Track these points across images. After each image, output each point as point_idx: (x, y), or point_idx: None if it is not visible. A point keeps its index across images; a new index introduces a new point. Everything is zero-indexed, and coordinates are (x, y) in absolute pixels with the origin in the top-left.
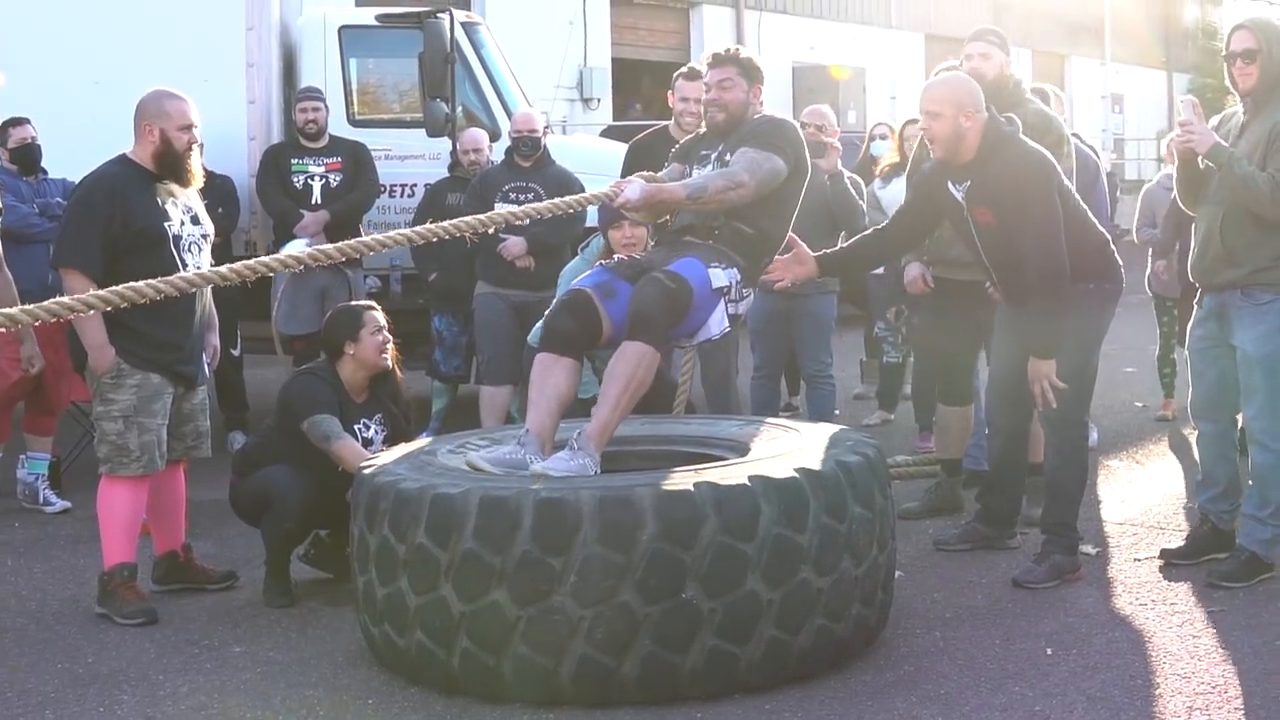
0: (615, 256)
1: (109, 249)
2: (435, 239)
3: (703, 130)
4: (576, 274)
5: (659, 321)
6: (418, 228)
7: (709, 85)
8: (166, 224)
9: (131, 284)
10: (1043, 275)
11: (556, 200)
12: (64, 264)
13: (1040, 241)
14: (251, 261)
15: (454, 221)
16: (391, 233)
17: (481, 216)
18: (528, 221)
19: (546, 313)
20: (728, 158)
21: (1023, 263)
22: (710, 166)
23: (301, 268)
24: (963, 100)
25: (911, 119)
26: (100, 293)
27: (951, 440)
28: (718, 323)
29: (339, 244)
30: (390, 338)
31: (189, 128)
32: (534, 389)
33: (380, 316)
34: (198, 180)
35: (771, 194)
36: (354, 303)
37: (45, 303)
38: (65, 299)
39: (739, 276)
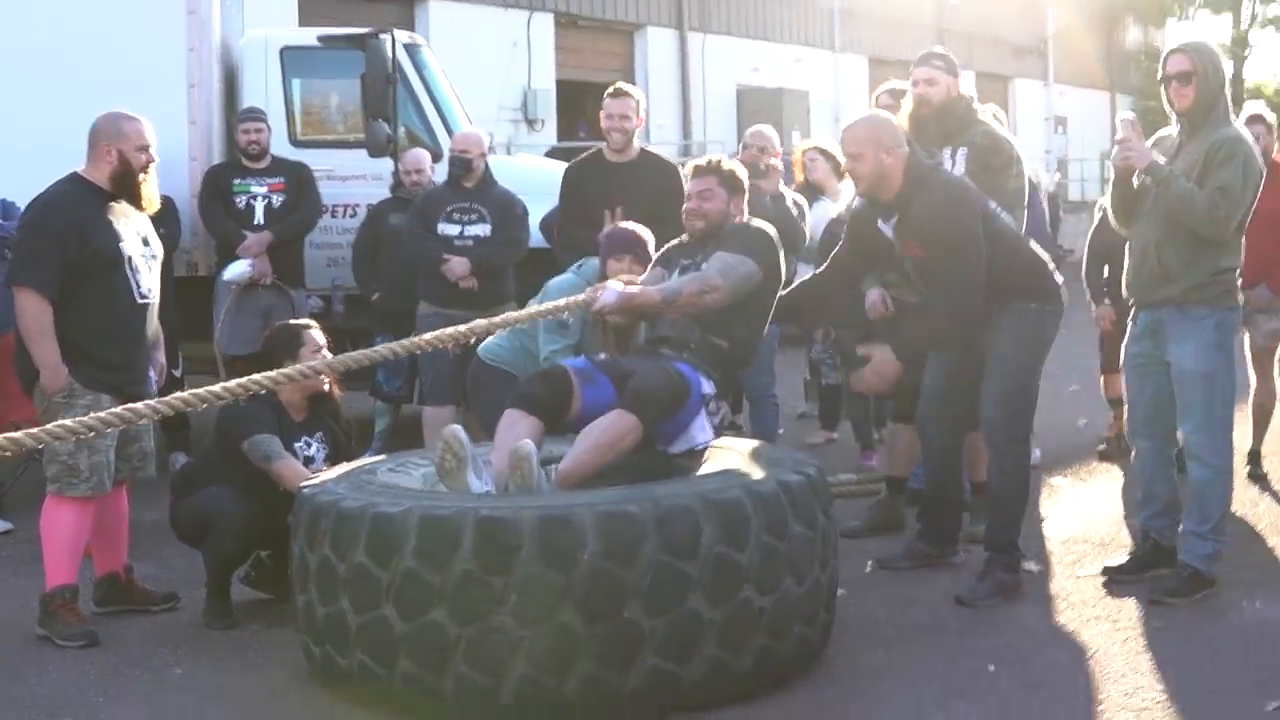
0: (601, 355)
1: (65, 269)
2: (419, 351)
3: (684, 239)
4: (566, 287)
5: (658, 402)
6: (401, 342)
7: (689, 194)
8: (121, 245)
9: (181, 395)
10: (956, 304)
11: (537, 308)
12: (20, 284)
13: (958, 276)
14: (274, 373)
15: (436, 334)
16: (374, 349)
17: (462, 328)
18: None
19: (522, 379)
20: (704, 265)
21: (942, 291)
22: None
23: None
24: (882, 138)
25: (811, 145)
26: (166, 400)
27: (899, 458)
28: (700, 431)
29: (334, 359)
30: (329, 356)
31: (146, 148)
32: (499, 440)
33: (319, 336)
34: (153, 204)
35: (744, 301)
36: (293, 321)
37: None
38: (135, 405)
39: (714, 390)
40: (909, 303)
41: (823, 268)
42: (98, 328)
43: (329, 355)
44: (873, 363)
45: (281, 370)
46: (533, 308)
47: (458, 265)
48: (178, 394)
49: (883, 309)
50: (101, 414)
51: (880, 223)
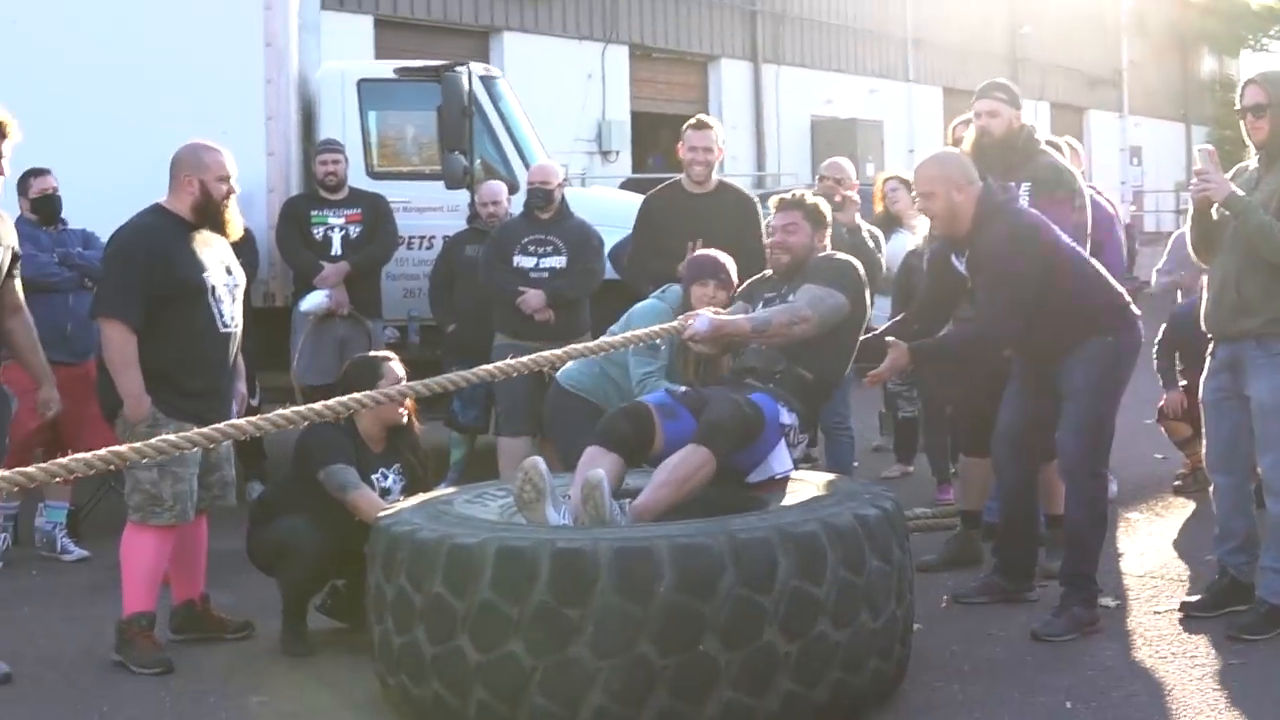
0: (683, 389)
1: (149, 299)
2: (513, 375)
3: (768, 273)
4: (649, 313)
5: (731, 435)
6: (493, 365)
7: (774, 229)
8: (205, 274)
9: (262, 417)
10: (984, 329)
11: (629, 334)
12: (104, 314)
13: (998, 302)
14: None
15: (532, 358)
16: (472, 370)
17: (558, 352)
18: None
19: (605, 414)
20: (790, 297)
21: (978, 309)
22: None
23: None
24: (953, 175)
25: (891, 175)
26: (251, 420)
27: (973, 491)
28: (779, 462)
29: (417, 383)
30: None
31: (226, 178)
32: (578, 476)
33: (399, 368)
34: (237, 231)
35: (831, 333)
36: (372, 353)
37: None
38: (218, 426)
39: (797, 422)
40: None
41: (910, 309)
42: (182, 357)
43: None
44: (890, 359)
45: (362, 393)
46: (625, 334)
47: (533, 298)
48: (260, 416)
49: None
50: (173, 436)
51: (954, 259)
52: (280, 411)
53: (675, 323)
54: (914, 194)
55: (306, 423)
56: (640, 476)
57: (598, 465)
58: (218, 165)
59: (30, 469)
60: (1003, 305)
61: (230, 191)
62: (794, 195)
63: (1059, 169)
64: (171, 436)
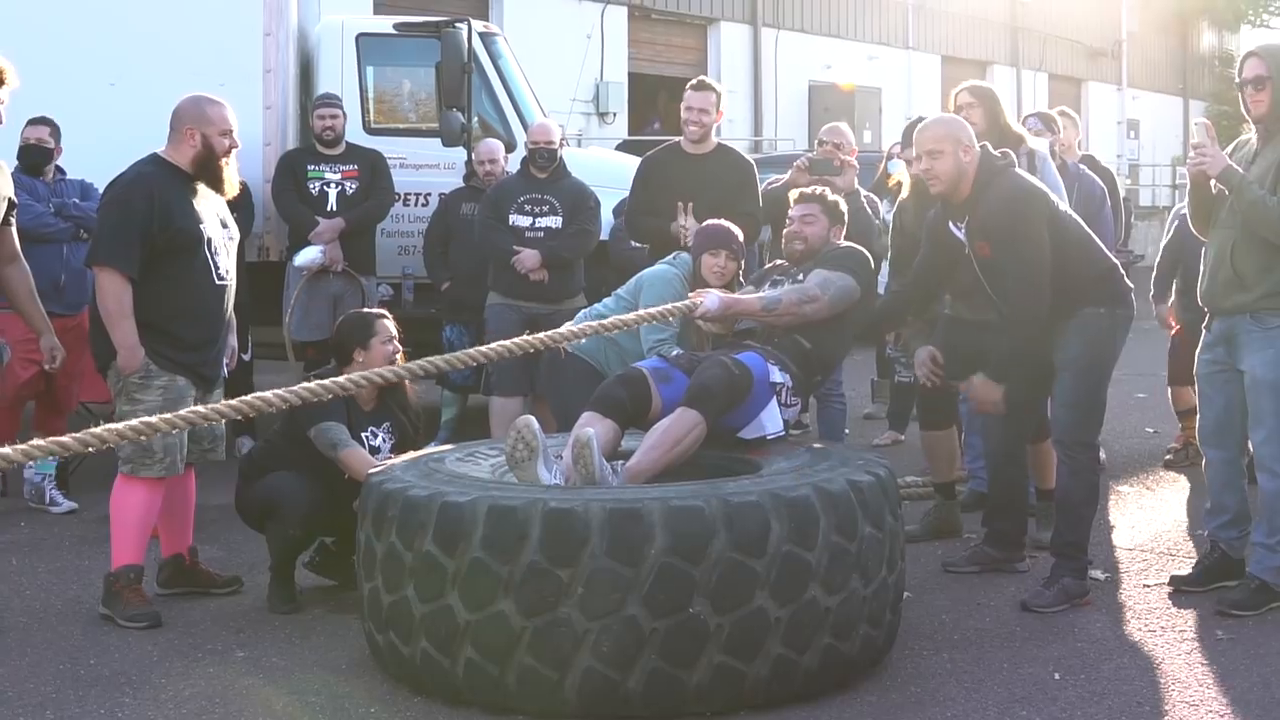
0: (675, 352)
1: (146, 249)
2: (532, 350)
3: (780, 261)
4: (661, 280)
5: (719, 397)
6: (516, 340)
7: (792, 218)
8: (201, 226)
9: (308, 385)
10: (1020, 307)
11: (642, 312)
12: (100, 262)
13: (1022, 275)
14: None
15: (550, 333)
16: (486, 348)
17: (575, 328)
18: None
19: (602, 383)
20: (800, 278)
21: (1009, 290)
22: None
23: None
24: (960, 136)
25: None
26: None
27: (940, 464)
28: (771, 421)
29: (415, 363)
30: (400, 348)
31: (229, 133)
32: (573, 437)
33: (391, 325)
34: (233, 189)
35: (838, 315)
36: (365, 310)
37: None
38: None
39: (791, 383)
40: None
41: (903, 286)
42: (177, 309)
43: (399, 346)
44: (974, 392)
45: (364, 372)
46: (637, 312)
47: (529, 258)
48: (255, 395)
49: (932, 367)
50: (169, 415)
51: (951, 225)
52: (275, 391)
53: (686, 302)
54: (914, 154)
55: (300, 401)
56: (637, 439)
57: (593, 429)
58: (221, 119)
59: (6, 450)
60: (1029, 269)
61: (232, 146)
62: (815, 190)
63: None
64: (154, 419)
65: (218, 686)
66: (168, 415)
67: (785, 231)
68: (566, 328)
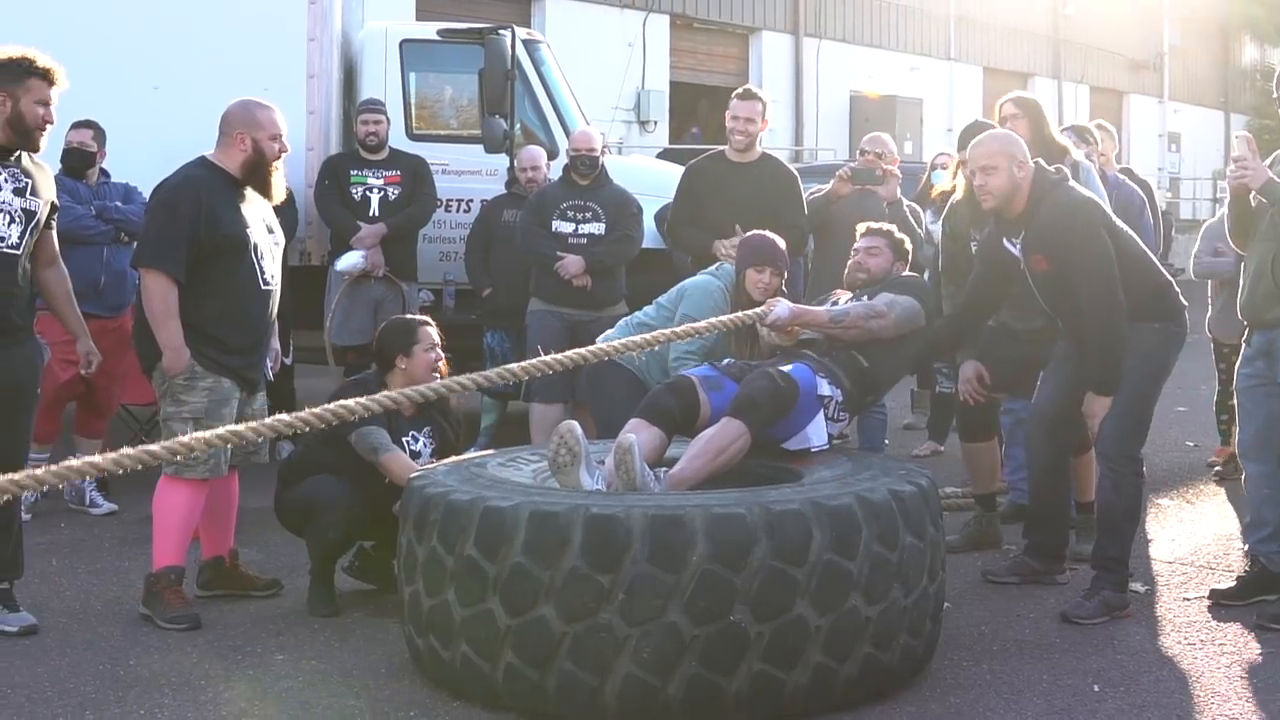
0: (726, 360)
1: (193, 252)
2: (590, 361)
3: (840, 291)
4: (705, 290)
5: (764, 408)
6: (577, 351)
7: (857, 249)
8: (248, 230)
9: (346, 404)
10: (1099, 317)
11: (713, 320)
12: (146, 264)
13: (1093, 283)
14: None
15: (623, 342)
16: (540, 360)
17: (648, 336)
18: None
19: (651, 390)
20: (865, 299)
21: (1080, 306)
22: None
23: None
24: (1014, 152)
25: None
26: (283, 418)
27: (981, 475)
28: (817, 434)
29: (461, 378)
30: (442, 355)
31: (279, 137)
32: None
33: (434, 333)
34: (280, 194)
35: (900, 337)
36: (409, 316)
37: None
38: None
39: (841, 398)
40: (1014, 327)
41: (960, 306)
42: (223, 312)
43: (441, 354)
44: (1090, 409)
45: (410, 389)
46: (709, 320)
47: (572, 264)
48: (296, 415)
49: (976, 386)
50: (187, 438)
51: (1006, 242)
52: (315, 410)
53: (759, 309)
54: (968, 171)
55: (339, 421)
56: (683, 446)
57: (639, 437)
58: (271, 124)
59: (39, 472)
60: (1099, 279)
61: (282, 151)
62: (883, 226)
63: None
64: (194, 436)
65: (257, 689)
66: (203, 434)
67: (850, 262)
68: (640, 337)
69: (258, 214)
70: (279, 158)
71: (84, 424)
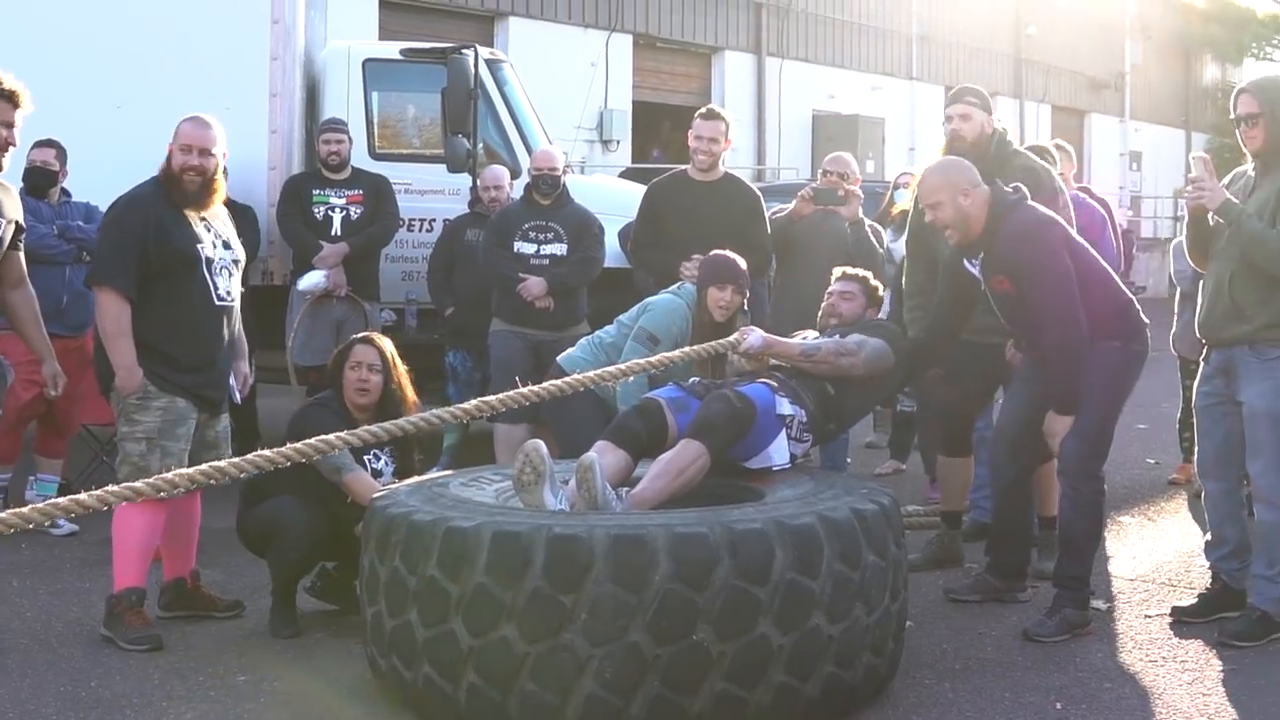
0: (692, 380)
1: (142, 269)
2: (565, 393)
3: (809, 332)
4: (668, 309)
5: (722, 430)
6: (552, 383)
7: (831, 292)
8: (199, 246)
9: (324, 437)
10: (1061, 334)
11: (687, 349)
12: (98, 283)
13: (1053, 302)
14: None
15: (593, 374)
16: (517, 391)
17: (622, 367)
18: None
19: (619, 414)
20: (837, 336)
21: (1041, 325)
22: None
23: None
24: (956, 181)
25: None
26: (249, 458)
27: (953, 492)
28: (779, 453)
29: (442, 411)
30: (374, 375)
31: (190, 149)
32: None
33: (369, 351)
34: (200, 206)
35: (871, 378)
36: (357, 335)
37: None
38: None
39: (805, 418)
40: (973, 342)
41: (927, 329)
42: (173, 329)
43: (369, 376)
44: (1050, 427)
45: (383, 424)
46: (684, 349)
47: (535, 285)
48: (259, 454)
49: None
50: (171, 474)
51: (966, 263)
52: (280, 449)
53: (733, 338)
54: (921, 206)
55: (305, 459)
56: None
57: (605, 459)
58: (185, 134)
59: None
60: (1058, 297)
61: (188, 164)
62: (858, 271)
63: (1035, 170)
64: (157, 479)
65: (219, 710)
66: (168, 475)
67: (824, 304)
68: (616, 367)
69: (213, 229)
70: (187, 170)
71: (44, 443)
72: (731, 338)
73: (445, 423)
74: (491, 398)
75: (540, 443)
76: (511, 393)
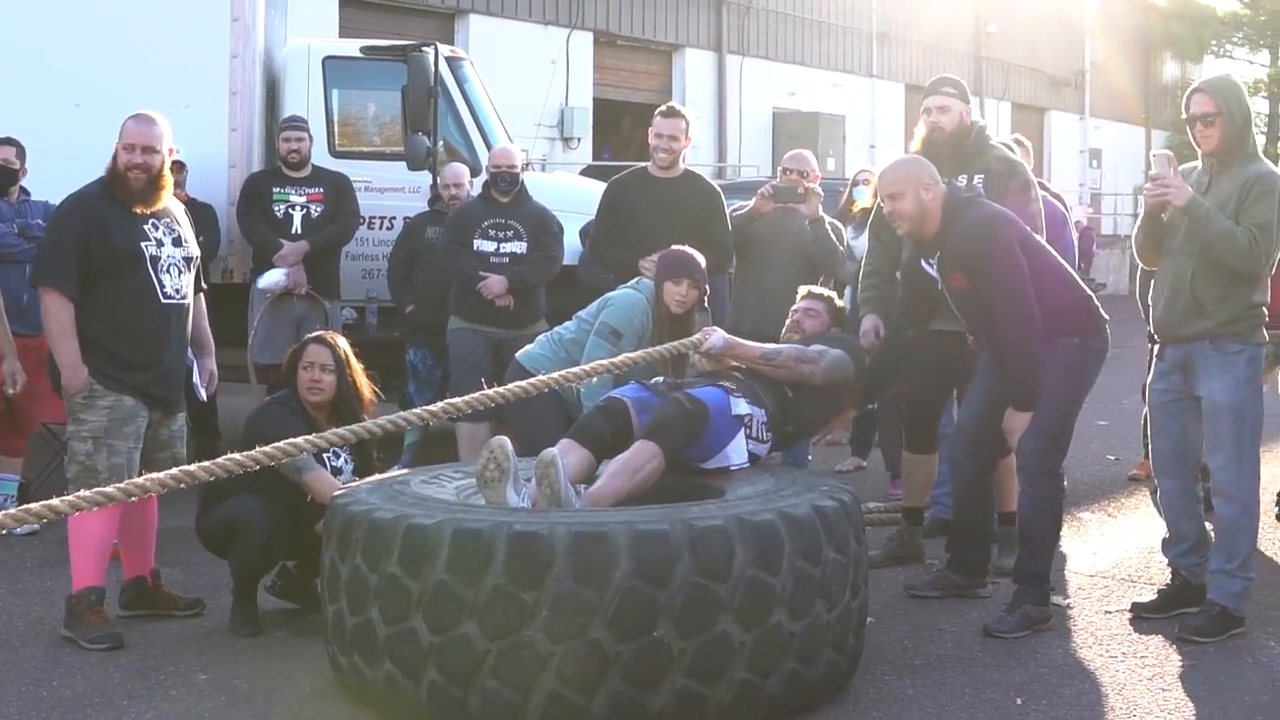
0: (655, 379)
1: (85, 268)
2: (537, 392)
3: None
4: (628, 303)
5: (675, 431)
6: (528, 381)
7: (796, 309)
8: (144, 244)
9: (293, 440)
10: (1014, 332)
11: (650, 350)
12: (42, 283)
13: (1007, 299)
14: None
15: (560, 374)
16: (485, 393)
17: (588, 368)
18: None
19: (584, 413)
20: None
21: (996, 321)
22: None
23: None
24: (919, 175)
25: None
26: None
27: (916, 488)
28: (737, 452)
29: (409, 413)
30: (323, 376)
31: (133, 147)
32: None
33: (321, 352)
34: (145, 204)
35: (832, 385)
36: (310, 335)
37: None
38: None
39: (765, 417)
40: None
41: (890, 334)
42: (118, 326)
43: (321, 376)
44: (1009, 425)
45: (348, 427)
46: (645, 350)
47: (495, 284)
48: (226, 458)
49: (872, 338)
50: (142, 480)
51: (924, 263)
52: (246, 454)
53: (695, 338)
54: (879, 199)
55: (274, 463)
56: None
57: (568, 458)
58: (128, 132)
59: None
60: (1012, 294)
61: (131, 163)
62: (824, 291)
63: (1011, 161)
64: (149, 476)
65: (180, 709)
66: (140, 480)
67: (788, 320)
68: (580, 368)
69: (163, 226)
70: (130, 169)
71: (4, 442)
72: (694, 338)
73: (412, 425)
74: (457, 400)
75: (506, 439)
76: (477, 395)
